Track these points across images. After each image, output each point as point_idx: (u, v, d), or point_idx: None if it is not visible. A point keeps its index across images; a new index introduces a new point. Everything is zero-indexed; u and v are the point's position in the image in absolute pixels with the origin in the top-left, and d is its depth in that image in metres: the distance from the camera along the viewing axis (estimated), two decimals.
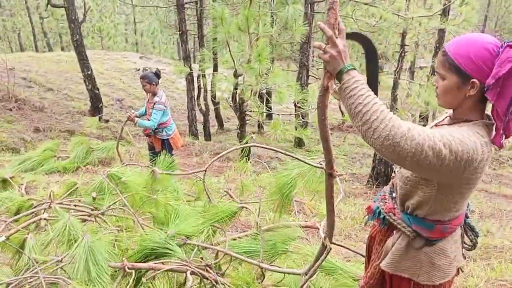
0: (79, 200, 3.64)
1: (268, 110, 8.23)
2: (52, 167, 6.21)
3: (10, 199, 4.00)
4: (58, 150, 6.83)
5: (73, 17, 11.25)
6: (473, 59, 1.40)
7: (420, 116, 13.39)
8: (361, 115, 1.35)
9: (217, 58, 10.08)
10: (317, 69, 12.18)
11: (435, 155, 1.31)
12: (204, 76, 11.00)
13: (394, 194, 1.72)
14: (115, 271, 2.46)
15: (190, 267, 2.43)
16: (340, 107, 14.84)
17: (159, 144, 5.33)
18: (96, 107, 12.11)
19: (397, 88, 13.29)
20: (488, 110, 1.50)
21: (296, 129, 8.64)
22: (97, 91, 12.07)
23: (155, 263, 2.49)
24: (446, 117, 1.64)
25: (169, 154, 4.71)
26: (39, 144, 8.26)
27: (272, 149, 3.11)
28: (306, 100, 8.08)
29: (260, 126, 13.39)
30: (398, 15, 10.51)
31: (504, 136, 1.43)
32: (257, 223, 3.13)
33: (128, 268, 2.36)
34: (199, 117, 12.88)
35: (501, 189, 8.39)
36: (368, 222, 1.84)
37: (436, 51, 13.10)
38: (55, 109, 11.86)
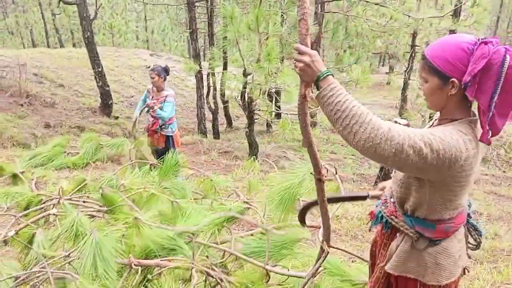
0: (88, 197, 3.69)
1: (277, 109, 8.26)
2: (62, 162, 6.27)
3: (20, 194, 4.06)
4: (68, 146, 6.89)
5: (84, 14, 11.34)
6: (450, 60, 1.44)
7: (429, 117, 13.30)
8: (341, 120, 1.39)
9: (227, 56, 10.09)
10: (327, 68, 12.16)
11: (416, 154, 1.35)
12: (213, 74, 11.03)
13: (392, 199, 1.73)
14: (122, 267, 2.49)
15: (195, 265, 2.45)
16: None
17: (163, 141, 5.32)
18: (106, 104, 12.21)
19: (407, 88, 13.23)
20: (475, 108, 1.52)
21: None
22: (108, 88, 12.17)
23: (162, 260, 2.52)
24: (436, 119, 1.66)
25: (173, 150, 4.75)
26: (49, 140, 8.34)
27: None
28: None
29: (268, 125, 13.40)
30: (409, 16, 10.46)
31: (490, 132, 1.44)
32: (262, 223, 3.15)
33: (135, 264, 2.40)
34: (208, 115, 12.91)
35: (511, 192, 8.33)
36: (372, 227, 1.85)
37: None
38: (66, 105, 11.96)
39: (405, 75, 13.07)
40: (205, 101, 12.31)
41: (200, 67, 10.39)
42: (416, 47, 12.93)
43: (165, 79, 5.22)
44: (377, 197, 1.92)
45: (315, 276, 2.29)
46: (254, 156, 7.79)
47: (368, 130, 1.35)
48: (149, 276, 2.48)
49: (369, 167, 10.59)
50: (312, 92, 1.52)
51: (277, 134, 8.52)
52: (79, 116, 11.46)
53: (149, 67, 19.09)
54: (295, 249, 2.72)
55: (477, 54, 1.40)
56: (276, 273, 2.54)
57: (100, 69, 11.85)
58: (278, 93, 11.51)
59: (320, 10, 9.80)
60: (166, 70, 5.24)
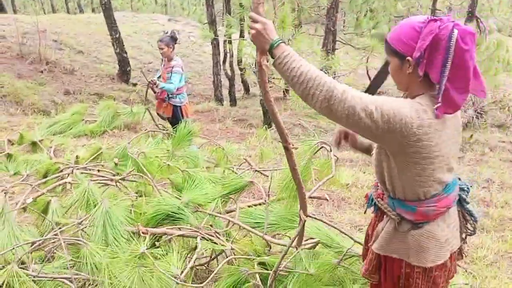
0: (102, 165, 3.81)
1: (281, 87, 8.30)
2: (80, 130, 6.46)
3: (39, 162, 4.23)
4: (87, 114, 7.06)
5: None
6: (403, 40, 1.51)
7: None
8: (298, 85, 1.49)
9: (243, 23, 10.01)
10: (344, 33, 11.96)
11: (368, 116, 1.42)
12: (230, 42, 10.97)
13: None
14: (132, 234, 2.62)
15: (200, 233, 2.57)
16: (367, 73, 14.60)
17: (171, 111, 5.38)
18: (124, 71, 12.31)
19: None
20: None
21: None
22: (125, 55, 12.24)
23: (169, 229, 2.64)
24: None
25: (184, 120, 4.83)
26: (69, 107, 8.53)
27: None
28: (331, 67, 8.01)
29: (284, 92, 13.36)
30: None
31: (444, 106, 1.49)
32: (268, 195, 3.23)
33: (143, 232, 2.52)
34: (225, 82, 12.91)
35: None
36: (366, 209, 1.91)
37: (468, 16, 12.65)
38: (85, 72, 12.11)
39: None
40: (222, 68, 12.30)
41: (216, 34, 10.34)
42: (437, 11, 12.57)
43: (173, 48, 5.24)
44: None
45: (298, 246, 2.37)
46: (267, 125, 7.84)
47: (324, 92, 1.44)
48: (156, 244, 2.60)
49: None
50: (267, 60, 1.59)
51: (294, 101, 8.52)
52: (98, 83, 11.61)
53: (166, 32, 19.05)
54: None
55: (425, 31, 1.46)
56: (273, 243, 2.64)
57: (117, 36, 11.89)
58: None
59: None
60: (174, 39, 5.26)
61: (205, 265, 2.92)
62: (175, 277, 2.12)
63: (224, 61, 12.75)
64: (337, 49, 11.17)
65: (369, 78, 15.56)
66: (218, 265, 2.48)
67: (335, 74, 8.55)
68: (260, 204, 3.44)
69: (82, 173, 3.30)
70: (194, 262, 2.71)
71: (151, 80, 5.24)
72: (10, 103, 8.73)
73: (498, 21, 24.70)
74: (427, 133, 1.48)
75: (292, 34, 6.93)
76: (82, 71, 12.03)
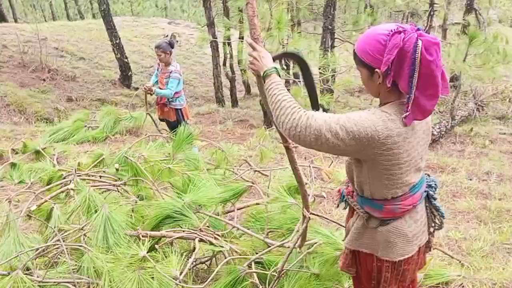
0: (104, 171, 3.89)
1: (290, 77, 8.31)
2: (82, 137, 6.55)
3: (43, 170, 4.32)
4: (89, 120, 7.16)
5: None
6: (370, 52, 1.56)
7: (450, 80, 13.09)
8: (274, 111, 1.61)
9: (242, 24, 10.08)
10: (343, 31, 11.97)
11: (334, 136, 1.49)
12: (229, 44, 11.02)
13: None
14: (132, 238, 2.70)
15: (198, 235, 2.64)
16: None
17: (174, 114, 5.45)
18: (125, 76, 12.43)
19: None
20: None
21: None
22: (126, 60, 12.35)
23: (167, 231, 2.71)
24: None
25: (184, 123, 4.91)
26: (72, 113, 8.64)
27: None
28: (329, 66, 8.05)
29: None
30: None
31: (413, 114, 1.54)
32: (267, 195, 3.30)
33: (142, 236, 2.60)
34: (226, 83, 12.98)
35: None
36: (339, 204, 1.98)
37: (467, 9, 12.65)
38: (87, 78, 12.22)
39: None
40: (222, 69, 12.37)
41: (214, 37, 10.41)
42: (435, 5, 12.58)
43: (171, 54, 5.31)
44: None
45: (301, 246, 2.44)
46: (265, 125, 7.90)
47: (291, 121, 1.54)
48: (156, 246, 2.67)
49: None
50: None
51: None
52: (100, 89, 11.72)
53: (167, 35, 19.16)
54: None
55: (390, 45, 1.50)
56: (273, 245, 2.70)
57: (117, 41, 12.00)
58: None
59: None
60: (171, 44, 5.32)
61: (206, 264, 2.99)
62: (174, 279, 2.19)
63: (224, 63, 12.82)
64: (336, 46, 11.20)
65: None
66: (217, 265, 2.55)
67: (334, 72, 8.58)
68: (257, 204, 3.52)
69: (84, 179, 3.38)
70: (195, 263, 2.80)
71: (145, 87, 5.32)
72: (14, 112, 8.84)
73: (498, 12, 24.63)
74: (396, 142, 1.53)
75: (288, 35, 6.97)
76: (83, 78, 12.14)
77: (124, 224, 2.60)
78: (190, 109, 5.94)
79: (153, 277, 2.20)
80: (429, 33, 1.59)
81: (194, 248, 2.62)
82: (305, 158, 6.17)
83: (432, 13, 12.44)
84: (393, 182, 1.63)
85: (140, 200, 3.27)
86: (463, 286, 2.88)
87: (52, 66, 11.64)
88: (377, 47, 1.54)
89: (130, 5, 31.73)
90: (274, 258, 2.63)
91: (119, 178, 3.63)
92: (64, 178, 3.64)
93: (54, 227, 2.66)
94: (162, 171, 3.61)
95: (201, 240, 2.64)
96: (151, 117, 6.26)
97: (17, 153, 5.38)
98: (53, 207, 2.93)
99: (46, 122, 8.57)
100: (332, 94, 9.48)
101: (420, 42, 1.47)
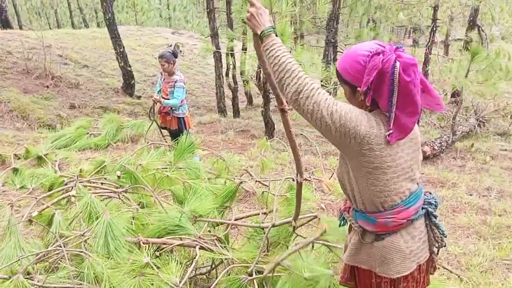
0: (105, 178, 3.91)
1: None
2: (84, 144, 6.57)
3: (44, 176, 4.33)
4: (91, 127, 7.18)
5: None
6: (350, 72, 1.61)
7: (452, 95, 13.15)
8: (277, 73, 1.61)
9: (245, 36, 10.16)
10: (345, 44, 12.05)
11: (329, 115, 1.52)
12: (232, 55, 11.09)
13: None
14: (133, 245, 2.71)
15: (199, 243, 2.65)
16: None
17: (176, 123, 5.49)
18: (128, 84, 12.49)
19: (428, 63, 13.04)
20: None
21: None
22: (129, 68, 12.41)
23: (168, 239, 2.72)
24: None
25: (187, 132, 4.95)
26: (74, 121, 8.67)
27: None
28: (331, 78, 8.11)
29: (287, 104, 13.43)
30: None
31: (396, 132, 1.58)
32: (266, 205, 3.32)
33: (143, 242, 2.61)
34: (229, 93, 13.03)
35: None
36: (340, 222, 1.97)
37: (470, 25, 12.75)
38: (90, 85, 12.28)
39: (426, 50, 12.87)
40: (225, 80, 12.44)
41: (217, 48, 10.47)
42: (438, 21, 12.67)
43: (174, 63, 5.36)
44: None
45: (296, 218, 2.48)
46: (266, 136, 7.92)
47: (296, 85, 1.56)
48: (157, 253, 2.68)
49: None
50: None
51: (294, 111, 8.59)
52: (103, 97, 11.77)
53: (170, 45, 19.28)
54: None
55: (369, 66, 1.56)
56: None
57: (121, 50, 12.08)
58: None
59: None
60: (174, 54, 5.38)
61: (205, 275, 3.00)
62: (175, 286, 2.20)
63: (227, 73, 12.89)
64: (338, 59, 11.27)
65: None
66: (217, 273, 2.56)
67: (336, 85, 8.63)
68: (256, 214, 3.53)
69: (86, 186, 3.39)
70: (195, 271, 2.81)
71: (155, 98, 5.37)
72: (17, 117, 8.88)
73: (501, 29, 24.76)
74: (379, 143, 1.56)
75: (291, 47, 7.02)
76: (87, 85, 12.20)
77: (125, 231, 2.61)
78: (192, 118, 5.98)
79: (152, 284, 2.21)
80: (430, 49, 1.63)
81: (195, 256, 2.63)
82: (306, 169, 6.18)
83: (434, 28, 12.53)
84: (379, 189, 1.64)
85: (141, 208, 3.29)
86: None
87: (56, 73, 11.71)
88: (357, 67, 1.59)
89: (135, 15, 31.93)
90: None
91: (120, 186, 3.64)
92: (66, 184, 3.65)
93: (55, 233, 2.67)
94: (163, 179, 3.63)
95: (201, 248, 2.65)
96: (157, 124, 6.29)
97: (19, 158, 5.39)
98: (54, 213, 2.94)
99: (49, 129, 8.61)
100: None
101: (398, 64, 1.52)
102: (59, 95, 10.78)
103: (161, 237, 2.80)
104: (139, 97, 12.48)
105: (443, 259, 3.59)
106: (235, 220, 3.16)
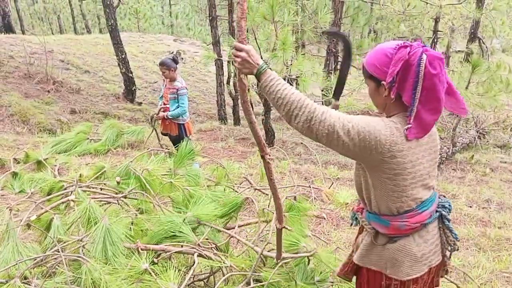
0: (105, 184, 3.90)
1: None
2: (84, 149, 6.57)
3: (43, 180, 4.32)
4: (91, 133, 7.19)
5: (108, 2, 11.58)
6: (377, 66, 1.62)
7: None
8: (283, 106, 1.61)
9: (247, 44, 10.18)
10: None
11: (345, 134, 1.53)
12: (233, 63, 11.13)
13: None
14: (131, 251, 2.70)
15: (197, 250, 2.64)
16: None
17: (176, 129, 5.50)
18: (129, 90, 12.50)
19: None
20: None
21: None
22: (131, 75, 12.44)
23: (166, 245, 2.71)
24: None
25: (187, 139, 4.95)
26: (74, 126, 8.66)
27: None
28: (332, 88, 8.11)
29: None
30: (427, 3, 10.30)
31: (416, 128, 1.58)
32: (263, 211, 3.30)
33: (141, 249, 2.59)
34: (229, 101, 13.05)
35: None
36: (352, 223, 1.98)
37: (471, 37, 12.80)
38: (91, 91, 12.30)
39: None
40: (226, 87, 12.46)
41: (219, 56, 10.51)
42: (439, 32, 12.72)
43: (175, 70, 5.38)
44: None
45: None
46: (268, 144, 7.92)
47: (306, 114, 1.56)
48: (154, 260, 2.66)
49: None
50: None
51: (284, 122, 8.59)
52: (104, 102, 11.78)
53: (172, 52, 19.35)
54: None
55: (396, 58, 1.57)
56: (270, 257, 2.70)
57: (123, 56, 12.11)
58: (297, 81, 11.56)
59: None
60: (175, 60, 5.39)
61: (204, 281, 2.98)
62: None
63: (228, 81, 12.92)
64: (339, 69, 11.30)
65: None
66: (215, 281, 2.55)
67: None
68: (256, 223, 3.52)
69: (85, 191, 3.38)
70: (193, 278, 2.79)
71: (159, 116, 5.42)
72: (17, 122, 8.88)
73: (502, 41, 24.88)
74: (401, 150, 1.57)
75: (292, 56, 7.04)
76: (88, 91, 12.22)
77: (123, 236, 2.60)
78: (192, 125, 5.98)
79: None
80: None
81: (193, 263, 2.62)
82: (305, 178, 6.18)
83: (435, 40, 12.58)
84: (397, 194, 1.65)
85: (140, 214, 3.28)
86: None
87: (57, 78, 11.73)
88: (384, 60, 1.60)
89: (137, 22, 32.05)
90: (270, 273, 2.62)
91: (119, 191, 3.64)
92: (65, 189, 3.65)
93: (53, 237, 2.66)
94: (164, 185, 3.63)
95: (200, 255, 2.64)
96: (156, 132, 6.30)
97: (18, 162, 5.39)
98: (53, 218, 2.93)
99: (49, 133, 8.61)
100: None
101: (424, 56, 1.53)
102: (60, 100, 10.79)
103: (160, 243, 2.80)
104: (140, 104, 12.49)
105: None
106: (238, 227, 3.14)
